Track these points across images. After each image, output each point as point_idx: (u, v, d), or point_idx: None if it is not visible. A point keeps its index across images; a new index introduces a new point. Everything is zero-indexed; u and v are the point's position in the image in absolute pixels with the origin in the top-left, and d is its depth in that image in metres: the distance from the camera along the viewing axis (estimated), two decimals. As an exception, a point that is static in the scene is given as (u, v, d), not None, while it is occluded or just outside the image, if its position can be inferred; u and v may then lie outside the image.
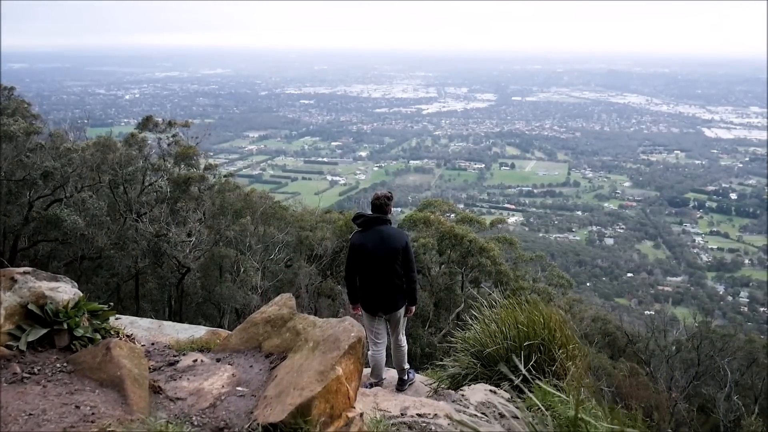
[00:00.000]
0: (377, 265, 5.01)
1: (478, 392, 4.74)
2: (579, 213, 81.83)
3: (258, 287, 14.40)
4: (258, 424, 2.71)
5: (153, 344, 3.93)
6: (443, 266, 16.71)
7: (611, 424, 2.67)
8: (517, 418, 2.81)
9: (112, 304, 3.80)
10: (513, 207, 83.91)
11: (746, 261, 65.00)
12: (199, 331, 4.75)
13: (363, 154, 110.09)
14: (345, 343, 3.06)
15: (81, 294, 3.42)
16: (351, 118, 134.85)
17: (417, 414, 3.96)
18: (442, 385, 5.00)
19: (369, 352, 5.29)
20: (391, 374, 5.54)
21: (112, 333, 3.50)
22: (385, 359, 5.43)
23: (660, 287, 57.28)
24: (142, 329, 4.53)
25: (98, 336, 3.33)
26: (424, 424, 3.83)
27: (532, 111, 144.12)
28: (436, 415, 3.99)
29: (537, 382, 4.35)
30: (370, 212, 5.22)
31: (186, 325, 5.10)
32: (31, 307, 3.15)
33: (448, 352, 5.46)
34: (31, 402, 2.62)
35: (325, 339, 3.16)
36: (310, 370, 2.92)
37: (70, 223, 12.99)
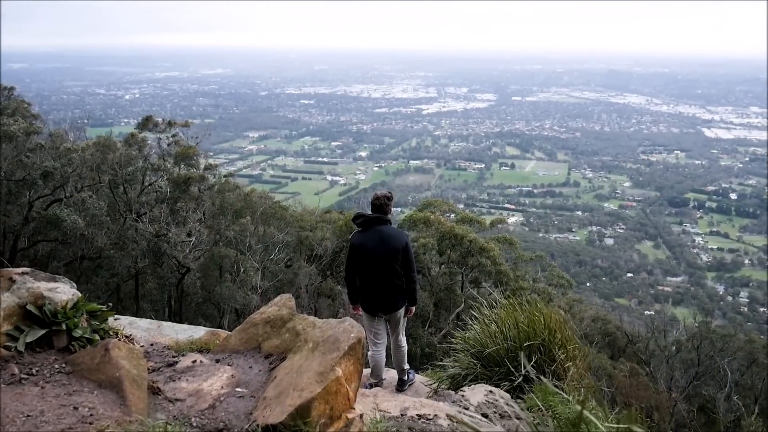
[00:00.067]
0: (377, 265, 5.00)
1: (478, 393, 4.73)
2: (579, 213, 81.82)
3: (258, 287, 14.39)
4: (257, 426, 2.70)
5: (152, 345, 3.92)
6: (443, 266, 16.71)
7: (615, 424, 2.66)
8: (519, 418, 2.80)
9: (110, 304, 3.80)
10: (513, 207, 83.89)
11: (746, 261, 65.00)
12: (199, 332, 4.73)
13: (363, 154, 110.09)
14: (345, 344, 3.05)
15: (80, 294, 3.41)
16: (351, 118, 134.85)
17: (417, 415, 3.94)
18: (442, 386, 4.99)
19: (369, 353, 5.28)
20: (391, 374, 5.53)
21: (111, 334, 3.49)
22: (384, 359, 5.42)
23: (660, 287, 57.27)
24: (141, 330, 4.52)
25: (97, 337, 3.32)
26: (424, 425, 3.82)
27: (532, 111, 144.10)
28: (436, 416, 3.98)
29: (537, 382, 4.35)
30: (370, 212, 5.21)
31: (185, 326, 5.09)
32: (29, 307, 3.14)
33: (448, 352, 5.45)
34: (29, 403, 2.60)
35: (324, 340, 3.15)
36: (309, 371, 2.91)
37: (70, 223, 12.98)
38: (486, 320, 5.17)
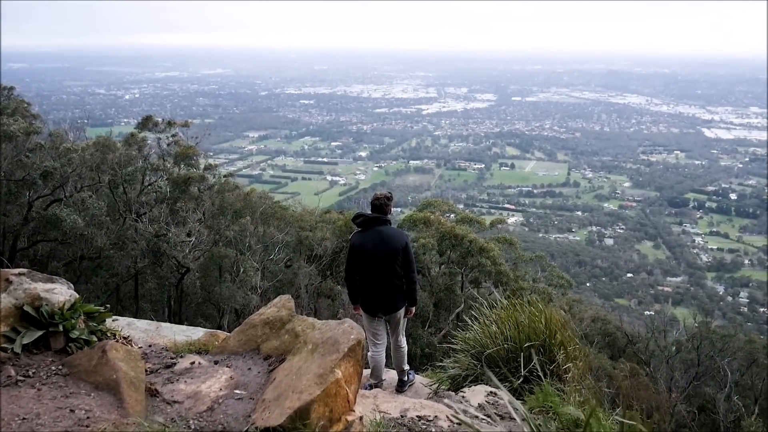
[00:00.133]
0: (377, 265, 4.98)
1: (478, 393, 4.71)
2: (579, 213, 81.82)
3: (258, 287, 14.37)
4: (256, 428, 2.68)
5: (150, 346, 3.90)
6: (443, 266, 16.69)
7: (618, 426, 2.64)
8: (520, 419, 2.78)
9: (108, 306, 3.77)
10: (513, 207, 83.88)
11: (746, 261, 65.00)
12: (197, 333, 4.71)
13: (363, 154, 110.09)
14: (344, 345, 3.03)
15: (77, 295, 3.39)
16: (351, 118, 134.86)
17: (417, 416, 3.93)
18: (442, 387, 4.97)
19: (369, 353, 5.26)
20: (390, 375, 5.51)
21: (109, 335, 3.46)
22: (384, 360, 5.40)
23: (660, 287, 57.27)
24: (139, 331, 4.49)
25: (94, 338, 3.29)
26: (425, 426, 3.80)
27: (532, 111, 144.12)
28: (436, 417, 3.96)
29: (538, 383, 4.33)
30: (369, 212, 5.18)
31: (184, 327, 5.07)
32: (26, 308, 3.12)
33: (448, 352, 5.43)
34: (25, 406, 2.58)
35: (324, 341, 3.12)
36: (309, 373, 2.89)
37: (70, 223, 12.96)
38: (486, 321, 5.15)
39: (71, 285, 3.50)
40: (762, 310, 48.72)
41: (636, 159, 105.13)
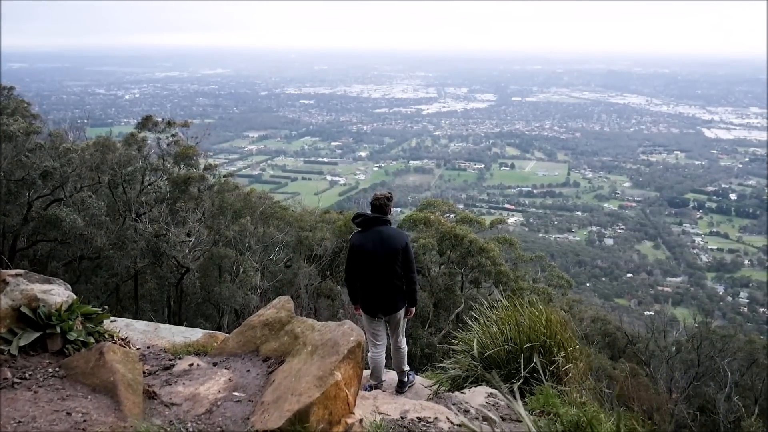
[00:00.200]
0: (377, 265, 4.96)
1: (479, 395, 4.69)
2: (579, 213, 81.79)
3: (257, 287, 14.34)
4: (255, 431, 2.66)
5: (148, 348, 3.88)
6: (443, 267, 16.66)
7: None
8: (520, 421, 2.75)
9: (107, 306, 3.75)
10: (513, 207, 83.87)
11: (746, 261, 64.99)
12: (196, 334, 4.69)
13: (363, 154, 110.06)
14: (344, 347, 3.01)
15: (75, 296, 3.36)
16: (351, 118, 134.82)
17: (417, 418, 3.90)
18: (443, 388, 4.95)
19: (368, 354, 5.24)
20: (390, 376, 5.50)
21: (107, 336, 3.44)
22: (384, 361, 5.38)
23: (660, 288, 57.26)
24: (137, 332, 4.47)
25: (92, 340, 3.27)
26: (425, 428, 3.78)
27: (532, 111, 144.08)
28: (436, 418, 3.94)
29: (539, 384, 4.31)
30: (369, 212, 5.17)
31: (182, 328, 5.04)
32: (23, 310, 3.09)
33: (448, 353, 5.41)
34: (21, 408, 2.55)
35: (323, 343, 3.10)
36: (308, 375, 2.87)
37: (70, 222, 12.94)
38: (486, 321, 5.13)
39: (69, 286, 3.47)
40: (762, 310, 48.71)
41: (636, 159, 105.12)
